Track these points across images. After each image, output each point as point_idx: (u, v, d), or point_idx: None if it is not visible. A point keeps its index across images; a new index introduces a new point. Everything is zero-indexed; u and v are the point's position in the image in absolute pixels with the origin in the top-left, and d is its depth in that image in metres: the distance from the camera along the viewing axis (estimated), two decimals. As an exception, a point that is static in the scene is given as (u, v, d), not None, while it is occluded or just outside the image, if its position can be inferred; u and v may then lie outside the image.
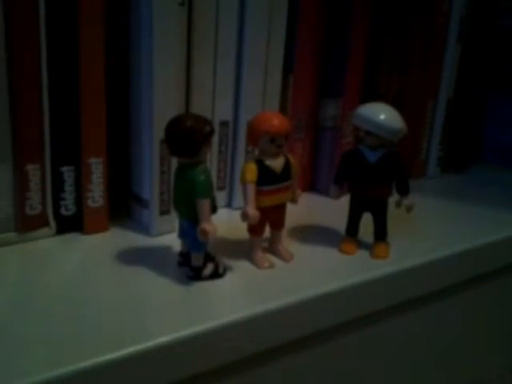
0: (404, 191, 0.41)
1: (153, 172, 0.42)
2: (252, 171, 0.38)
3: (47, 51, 0.38)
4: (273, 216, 0.40)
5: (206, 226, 0.35)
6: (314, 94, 0.51)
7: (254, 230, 0.40)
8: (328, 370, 0.43)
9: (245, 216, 0.37)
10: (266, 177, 0.38)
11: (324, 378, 0.43)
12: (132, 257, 0.40)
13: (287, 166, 0.39)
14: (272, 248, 0.42)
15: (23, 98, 0.38)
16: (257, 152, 0.39)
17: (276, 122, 0.38)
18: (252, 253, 0.40)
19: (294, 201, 0.41)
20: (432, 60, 0.55)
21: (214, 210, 0.37)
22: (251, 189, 0.38)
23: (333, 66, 0.50)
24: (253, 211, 0.37)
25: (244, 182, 0.38)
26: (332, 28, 0.49)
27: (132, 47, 0.42)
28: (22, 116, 0.38)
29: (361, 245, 0.43)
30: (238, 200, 0.47)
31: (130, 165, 0.45)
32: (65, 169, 0.41)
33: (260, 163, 0.38)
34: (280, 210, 0.40)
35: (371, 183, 0.41)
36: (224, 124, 0.47)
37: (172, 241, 0.42)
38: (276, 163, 0.39)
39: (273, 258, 0.41)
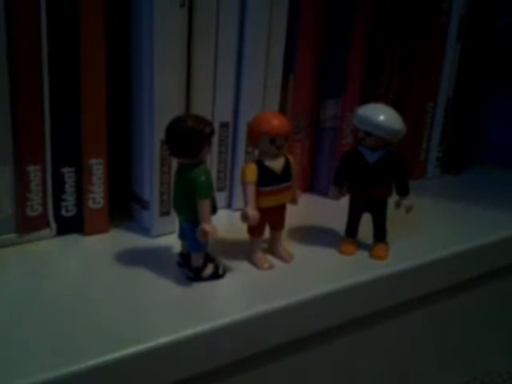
0: (404, 192, 0.41)
1: (153, 173, 0.42)
2: (252, 172, 0.38)
3: (48, 52, 0.38)
4: (273, 217, 0.40)
5: (206, 226, 0.35)
6: (314, 94, 0.51)
7: (254, 230, 0.40)
8: (327, 370, 0.43)
9: (245, 217, 0.37)
10: (266, 177, 0.38)
11: (323, 378, 0.43)
12: (132, 258, 0.40)
13: (287, 166, 0.39)
14: (272, 249, 0.42)
15: (24, 99, 0.38)
16: (257, 153, 0.39)
17: (276, 122, 0.38)
18: (252, 253, 0.40)
19: (293, 202, 0.41)
20: (432, 60, 0.55)
21: (214, 210, 0.37)
22: (251, 189, 0.38)
23: (333, 67, 0.50)
24: (253, 212, 0.37)
25: (244, 183, 0.38)
26: (333, 28, 0.49)
27: (133, 48, 0.42)
28: (23, 117, 0.38)
29: (360, 245, 0.43)
30: (238, 201, 0.47)
31: (130, 166, 0.45)
32: (65, 170, 0.41)
33: (260, 164, 0.38)
34: (280, 210, 0.41)
35: (371, 184, 0.41)
36: (224, 125, 0.47)
37: (172, 241, 0.42)
38: (276, 164, 0.39)
39: (272, 259, 0.41)
